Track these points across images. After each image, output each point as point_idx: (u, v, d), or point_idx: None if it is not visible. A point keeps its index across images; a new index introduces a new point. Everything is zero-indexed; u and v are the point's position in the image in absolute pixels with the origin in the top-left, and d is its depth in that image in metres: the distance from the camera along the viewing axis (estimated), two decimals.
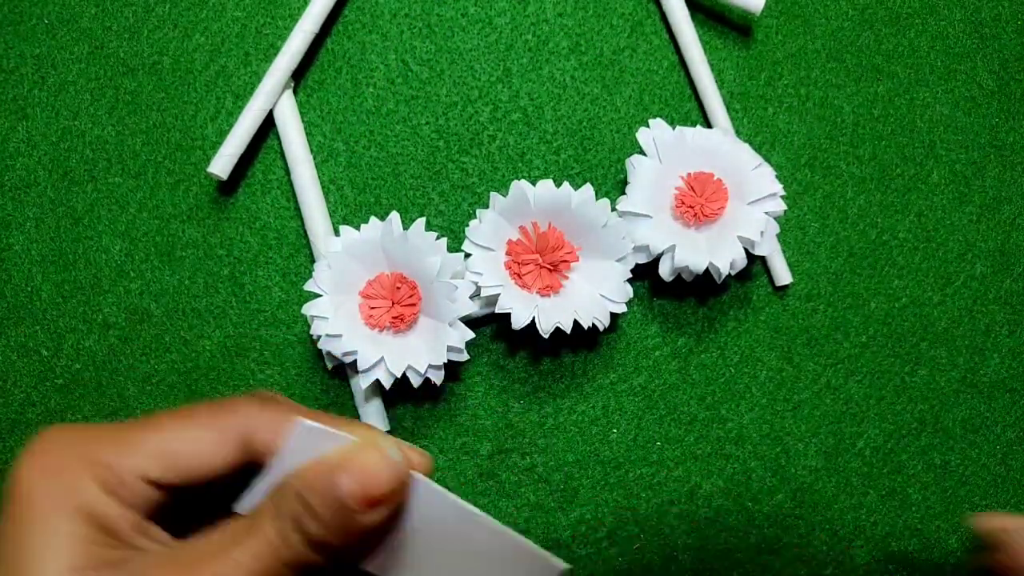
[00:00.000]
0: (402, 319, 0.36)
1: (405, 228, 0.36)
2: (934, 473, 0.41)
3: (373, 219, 0.36)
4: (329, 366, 0.38)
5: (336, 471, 0.21)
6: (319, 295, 0.36)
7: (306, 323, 0.40)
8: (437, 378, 0.36)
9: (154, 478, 0.22)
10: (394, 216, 0.36)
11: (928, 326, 0.42)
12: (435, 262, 0.35)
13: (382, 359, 0.35)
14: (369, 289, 0.36)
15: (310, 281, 0.36)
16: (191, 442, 0.22)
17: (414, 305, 0.36)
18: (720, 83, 0.42)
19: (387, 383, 0.36)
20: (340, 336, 0.35)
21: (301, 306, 0.40)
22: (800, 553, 0.40)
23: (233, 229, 0.40)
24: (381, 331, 0.36)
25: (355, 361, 0.35)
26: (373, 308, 0.36)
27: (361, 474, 0.22)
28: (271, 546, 0.21)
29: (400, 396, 0.39)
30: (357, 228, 0.37)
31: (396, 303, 0.36)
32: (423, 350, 0.36)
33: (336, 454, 0.22)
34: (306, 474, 0.22)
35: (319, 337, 0.36)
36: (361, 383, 0.36)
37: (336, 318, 0.36)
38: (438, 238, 0.36)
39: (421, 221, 0.36)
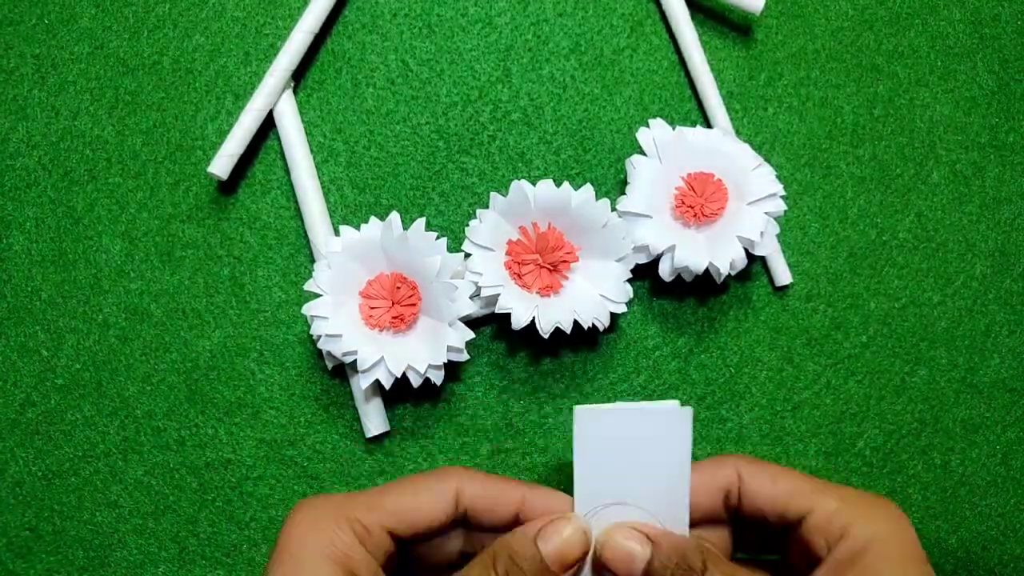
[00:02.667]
0: (402, 319, 0.36)
1: (405, 228, 0.36)
2: (934, 473, 0.41)
3: (373, 219, 0.36)
4: (329, 366, 0.38)
5: (538, 538, 0.27)
6: (319, 295, 0.36)
7: (306, 323, 0.40)
8: (437, 378, 0.36)
9: (392, 529, 0.28)
10: (394, 216, 0.36)
11: (928, 326, 0.42)
12: (435, 262, 0.35)
13: (382, 359, 0.35)
14: (369, 289, 0.36)
15: (310, 281, 0.36)
16: (418, 502, 0.28)
17: (414, 305, 0.36)
18: (720, 83, 0.42)
19: (387, 383, 0.36)
20: (340, 336, 0.35)
21: (301, 306, 0.40)
22: None
23: (233, 229, 0.40)
24: (381, 331, 0.36)
25: (355, 361, 0.35)
26: (373, 308, 0.36)
27: (561, 543, 0.27)
28: None
29: (400, 396, 0.39)
30: (357, 228, 0.37)
31: (396, 303, 0.36)
32: (423, 350, 0.36)
33: (534, 524, 0.27)
34: (513, 540, 0.27)
35: (319, 337, 0.36)
36: (361, 383, 0.36)
37: (336, 318, 0.36)
38: (438, 238, 0.36)
39: (421, 221, 0.36)
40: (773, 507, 0.28)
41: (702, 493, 0.29)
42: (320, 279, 0.36)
